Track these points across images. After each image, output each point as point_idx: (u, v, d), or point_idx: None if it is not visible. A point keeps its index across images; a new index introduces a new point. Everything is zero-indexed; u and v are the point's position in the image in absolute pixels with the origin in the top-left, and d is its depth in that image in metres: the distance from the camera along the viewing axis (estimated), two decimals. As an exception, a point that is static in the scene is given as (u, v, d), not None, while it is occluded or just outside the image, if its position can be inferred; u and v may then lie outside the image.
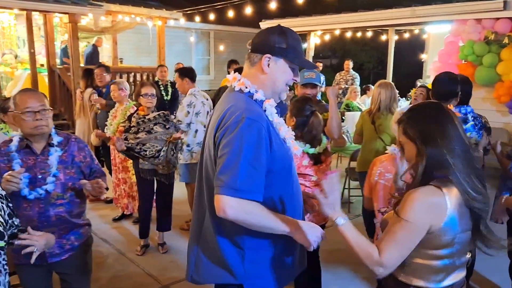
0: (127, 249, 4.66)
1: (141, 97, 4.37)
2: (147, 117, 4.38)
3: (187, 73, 5.05)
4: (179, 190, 5.47)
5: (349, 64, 10.45)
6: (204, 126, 4.87)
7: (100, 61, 11.26)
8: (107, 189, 2.61)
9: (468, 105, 3.71)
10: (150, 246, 4.71)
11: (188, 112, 4.83)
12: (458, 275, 1.80)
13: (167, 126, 4.41)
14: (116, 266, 4.32)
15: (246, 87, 1.92)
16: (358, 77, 10.38)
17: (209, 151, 1.89)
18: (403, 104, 8.12)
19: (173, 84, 8.33)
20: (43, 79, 10.12)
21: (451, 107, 3.44)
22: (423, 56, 12.07)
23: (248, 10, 9.90)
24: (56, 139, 2.58)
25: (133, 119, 4.44)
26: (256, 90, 1.92)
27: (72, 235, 2.65)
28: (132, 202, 5.37)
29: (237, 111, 1.79)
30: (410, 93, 10.80)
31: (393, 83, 4.51)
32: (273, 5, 9.34)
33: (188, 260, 2.07)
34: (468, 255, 1.82)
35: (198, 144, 4.89)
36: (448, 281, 1.77)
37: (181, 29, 14.24)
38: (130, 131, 4.34)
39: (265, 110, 1.92)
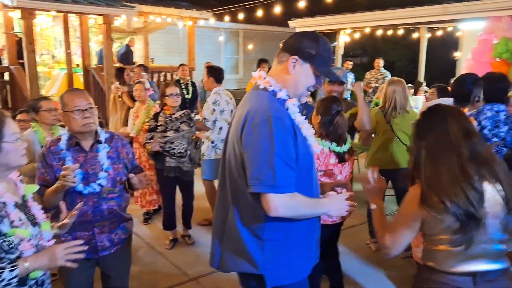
0: (156, 243, 4.78)
1: (166, 97, 4.48)
2: (173, 116, 4.52)
3: (213, 72, 5.14)
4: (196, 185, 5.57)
5: (379, 62, 10.38)
6: (228, 124, 4.92)
7: (133, 60, 11.56)
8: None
9: (503, 103, 3.50)
10: (178, 240, 4.82)
11: (214, 110, 4.92)
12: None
13: (191, 125, 4.58)
14: (146, 259, 4.45)
15: (270, 86, 1.97)
16: (389, 76, 10.29)
17: (234, 148, 1.95)
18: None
19: (193, 83, 8.48)
20: (79, 78, 10.41)
21: (465, 110, 3.36)
22: (457, 54, 11.85)
23: (277, 9, 9.94)
24: (103, 136, 2.68)
25: (160, 118, 4.56)
26: (280, 89, 1.97)
27: (120, 229, 2.75)
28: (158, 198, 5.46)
29: (262, 110, 1.85)
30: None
31: (403, 81, 4.46)
32: (301, 4, 9.34)
33: (213, 249, 2.15)
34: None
35: (222, 141, 4.95)
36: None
37: (210, 29, 14.40)
38: (157, 130, 4.47)
39: (287, 109, 1.96)
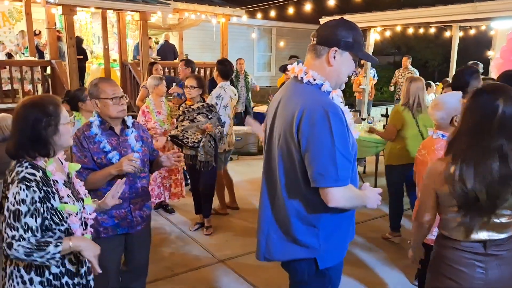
0: (187, 229, 5.06)
1: (184, 88, 4.77)
2: (192, 106, 4.74)
3: (220, 67, 5.36)
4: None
5: (407, 61, 10.56)
6: (230, 119, 5.27)
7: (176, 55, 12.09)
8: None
9: None
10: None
11: (216, 104, 5.12)
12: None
13: (209, 116, 4.71)
14: (177, 242, 4.75)
15: (314, 79, 2.01)
16: (417, 73, 10.35)
17: (286, 143, 2.00)
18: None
19: (231, 79, 8.72)
20: (115, 73, 10.83)
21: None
22: (490, 54, 11.72)
23: (308, 6, 10.11)
24: (129, 121, 2.91)
25: (181, 108, 4.90)
26: (323, 81, 2.02)
27: (146, 206, 3.00)
28: (165, 192, 5.56)
29: (318, 106, 1.91)
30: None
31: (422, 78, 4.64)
32: (332, 2, 9.48)
33: (258, 242, 2.24)
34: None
35: (227, 135, 5.20)
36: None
37: (243, 26, 14.64)
38: (179, 120, 4.80)
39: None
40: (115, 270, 2.94)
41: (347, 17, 9.10)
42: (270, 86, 15.92)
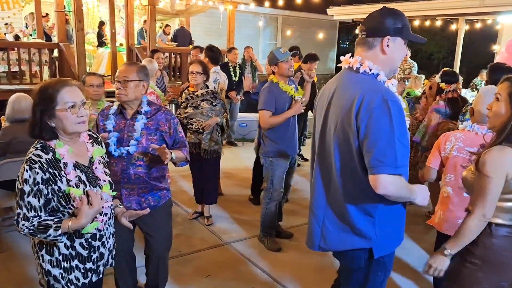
0: (192, 211, 5.17)
1: (189, 74, 4.63)
2: (195, 93, 4.62)
3: (210, 53, 5.47)
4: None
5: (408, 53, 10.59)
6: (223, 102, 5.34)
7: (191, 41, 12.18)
8: (187, 160, 3.00)
9: None
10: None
11: (214, 88, 5.20)
12: None
13: (214, 103, 4.61)
14: (184, 224, 4.87)
15: (370, 69, 2.05)
16: (416, 66, 10.41)
17: (343, 130, 2.02)
18: (467, 95, 8.11)
19: (241, 66, 8.75)
20: (122, 57, 10.88)
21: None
22: (495, 47, 11.77)
23: (316, -4, 10.14)
24: (144, 108, 2.89)
25: (183, 95, 4.75)
26: (379, 71, 2.05)
27: (151, 195, 2.97)
28: None
29: (377, 94, 1.93)
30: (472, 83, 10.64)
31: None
32: (340, -8, 9.51)
33: (311, 231, 2.26)
34: None
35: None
36: None
37: (250, 14, 14.65)
38: (181, 106, 4.68)
39: None
40: (124, 250, 3.03)
41: (355, 7, 9.26)
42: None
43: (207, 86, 4.71)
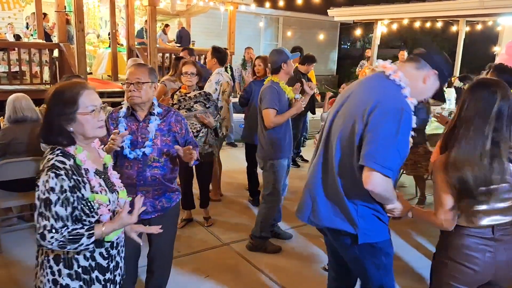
0: (194, 212, 5.15)
1: (182, 75, 4.43)
2: (188, 95, 4.45)
3: (218, 54, 5.39)
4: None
5: (404, 54, 10.96)
6: (227, 104, 5.42)
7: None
8: (198, 159, 2.91)
9: None
10: (193, 220, 4.97)
11: (216, 89, 5.16)
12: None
13: (207, 105, 4.48)
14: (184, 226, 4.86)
15: (400, 80, 2.19)
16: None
17: (353, 121, 2.16)
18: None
19: (231, 67, 8.74)
20: (122, 57, 10.89)
21: None
22: (496, 49, 11.77)
23: (317, -3, 10.14)
24: (156, 110, 2.86)
25: (175, 96, 4.53)
26: (405, 86, 2.18)
27: (164, 198, 2.95)
28: None
29: (396, 100, 2.12)
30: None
31: None
32: (340, -7, 9.52)
33: (303, 203, 2.46)
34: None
35: (223, 120, 5.31)
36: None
37: (251, 14, 14.66)
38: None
39: None
40: (130, 256, 2.84)
41: (355, 8, 9.23)
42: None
43: (199, 88, 4.61)
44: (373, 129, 2.07)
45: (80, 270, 1.99)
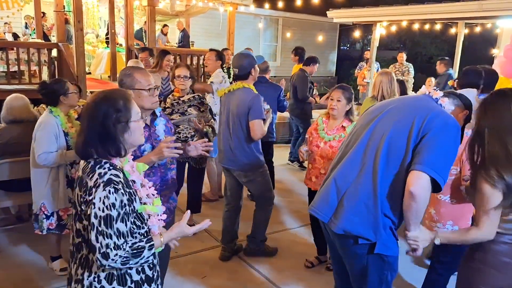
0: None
1: (175, 79, 4.35)
2: (181, 98, 4.34)
3: (222, 57, 5.46)
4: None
5: (402, 56, 11.13)
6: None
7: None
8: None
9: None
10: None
11: (220, 82, 5.18)
12: None
13: (201, 109, 4.36)
14: (180, 225, 4.84)
15: (445, 107, 2.34)
16: (412, 68, 10.86)
17: (398, 136, 2.21)
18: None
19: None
20: (121, 57, 10.88)
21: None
22: (495, 51, 11.77)
23: (316, -2, 10.15)
24: (157, 111, 2.79)
25: (168, 100, 4.40)
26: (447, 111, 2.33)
27: (172, 198, 2.95)
28: None
29: (452, 119, 2.24)
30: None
31: (390, 72, 4.79)
32: (340, -5, 9.53)
33: (328, 200, 2.37)
34: None
35: None
36: None
37: (250, 15, 14.66)
38: (165, 112, 4.23)
39: None
40: None
41: (354, 10, 9.25)
42: (275, 76, 15.93)
43: (193, 91, 4.50)
44: (433, 139, 2.11)
45: (133, 285, 1.93)
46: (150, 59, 6.33)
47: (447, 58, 9.49)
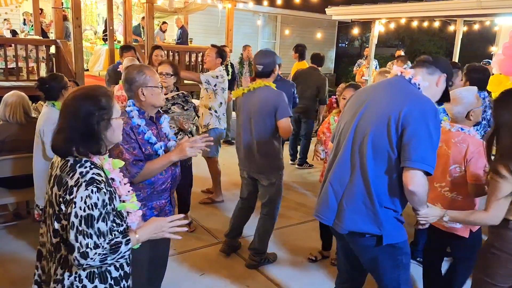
0: (191, 210, 5.15)
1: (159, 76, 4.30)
2: (166, 96, 4.13)
3: (222, 54, 5.43)
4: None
5: (400, 53, 11.07)
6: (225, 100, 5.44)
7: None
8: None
9: (484, 91, 4.29)
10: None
11: (217, 77, 5.18)
12: None
13: (185, 107, 4.28)
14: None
15: (419, 83, 2.37)
16: (410, 65, 10.77)
17: (387, 130, 2.23)
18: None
19: (232, 64, 8.68)
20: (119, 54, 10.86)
21: None
22: (493, 49, 11.78)
23: (315, -5, 10.14)
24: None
25: None
26: (423, 89, 2.36)
27: (172, 193, 2.90)
28: None
29: (428, 103, 2.26)
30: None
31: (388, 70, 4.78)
32: (339, -8, 9.52)
33: (328, 204, 2.45)
34: None
35: (224, 115, 5.40)
36: None
37: (249, 12, 14.65)
38: None
39: None
40: (146, 262, 2.79)
41: (353, 7, 9.23)
42: (273, 74, 15.97)
43: (177, 89, 4.41)
44: (414, 131, 2.15)
45: (112, 282, 1.92)
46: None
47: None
